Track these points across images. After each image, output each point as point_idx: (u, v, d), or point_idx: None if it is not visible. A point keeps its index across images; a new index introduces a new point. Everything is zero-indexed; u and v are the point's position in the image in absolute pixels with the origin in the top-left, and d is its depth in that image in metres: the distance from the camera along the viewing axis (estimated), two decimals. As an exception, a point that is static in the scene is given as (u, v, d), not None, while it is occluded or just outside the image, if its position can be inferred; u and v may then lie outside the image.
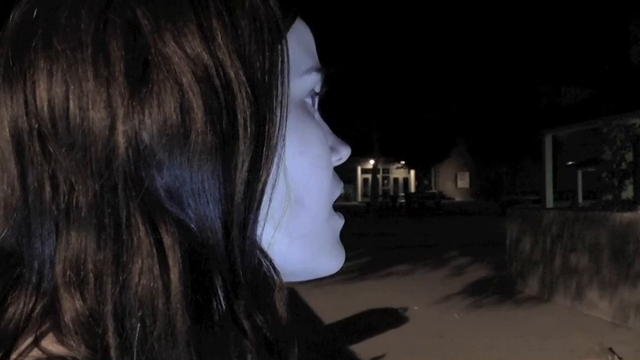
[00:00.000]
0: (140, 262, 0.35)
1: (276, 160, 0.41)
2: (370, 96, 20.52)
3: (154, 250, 0.35)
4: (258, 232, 0.41)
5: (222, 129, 0.38)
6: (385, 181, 46.94)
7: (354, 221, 19.80)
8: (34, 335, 0.36)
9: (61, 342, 0.36)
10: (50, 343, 0.36)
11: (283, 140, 0.42)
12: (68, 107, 0.36)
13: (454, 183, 46.97)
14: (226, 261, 0.38)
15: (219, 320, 0.37)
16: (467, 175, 45.66)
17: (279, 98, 0.42)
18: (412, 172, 44.60)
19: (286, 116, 0.42)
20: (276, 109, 0.41)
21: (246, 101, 0.39)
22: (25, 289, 0.38)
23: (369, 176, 36.75)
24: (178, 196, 0.37)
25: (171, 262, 0.35)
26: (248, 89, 0.39)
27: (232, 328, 0.37)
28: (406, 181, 47.70)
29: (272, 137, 0.41)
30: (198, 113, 0.37)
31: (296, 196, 0.44)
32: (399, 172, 46.90)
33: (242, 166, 0.39)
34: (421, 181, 42.02)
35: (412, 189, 43.47)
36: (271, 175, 0.41)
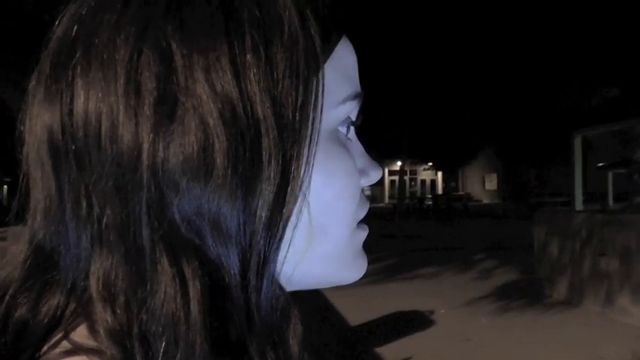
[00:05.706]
0: (163, 290, 0.36)
1: (300, 198, 0.40)
2: (399, 98, 20.46)
3: (177, 281, 0.36)
4: (278, 267, 0.40)
5: (245, 170, 0.37)
6: (412, 183, 46.67)
7: (380, 223, 19.74)
8: (64, 330, 0.38)
9: (93, 338, 0.37)
10: (81, 338, 0.37)
11: (309, 179, 0.40)
12: (100, 135, 0.37)
13: (482, 185, 46.45)
14: (242, 297, 0.38)
15: (232, 353, 0.37)
16: (494, 176, 45.08)
17: (309, 137, 0.40)
18: (439, 173, 44.26)
19: (315, 154, 0.41)
20: (304, 148, 0.40)
21: (272, 142, 0.38)
22: (60, 292, 0.39)
23: (396, 178, 36.59)
24: (199, 232, 0.37)
25: (191, 294, 0.36)
26: (275, 130, 0.38)
27: None
28: (433, 182, 47.37)
29: (297, 177, 0.39)
30: (221, 155, 0.37)
31: (318, 225, 0.43)
32: (426, 173, 46.60)
33: (263, 206, 0.38)
34: (448, 183, 41.69)
35: (439, 191, 43.16)
36: (294, 214, 0.40)
